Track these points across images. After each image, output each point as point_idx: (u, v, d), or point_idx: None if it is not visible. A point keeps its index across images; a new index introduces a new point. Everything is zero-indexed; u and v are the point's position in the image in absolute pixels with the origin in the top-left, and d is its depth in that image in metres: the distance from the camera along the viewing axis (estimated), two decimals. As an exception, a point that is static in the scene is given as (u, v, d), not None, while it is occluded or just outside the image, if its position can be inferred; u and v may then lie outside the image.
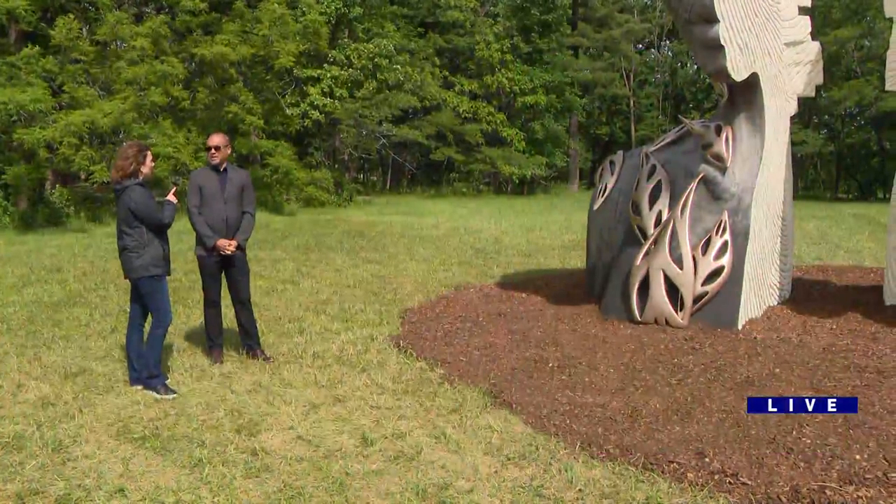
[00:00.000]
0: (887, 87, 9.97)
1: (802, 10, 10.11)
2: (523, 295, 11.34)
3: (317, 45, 31.88)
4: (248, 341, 8.15)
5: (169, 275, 7.22)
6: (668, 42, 63.11)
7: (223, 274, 7.99)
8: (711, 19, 8.24)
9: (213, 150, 7.73)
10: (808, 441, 5.55)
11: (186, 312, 10.35)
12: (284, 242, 18.60)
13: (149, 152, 7.06)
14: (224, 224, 7.74)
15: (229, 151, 8.00)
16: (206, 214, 7.71)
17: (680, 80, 64.79)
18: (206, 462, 5.39)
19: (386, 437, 5.86)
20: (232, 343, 8.57)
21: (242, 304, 8.08)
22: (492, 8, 55.69)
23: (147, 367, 7.02)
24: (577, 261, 14.96)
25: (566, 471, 5.20)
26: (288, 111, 33.57)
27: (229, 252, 7.70)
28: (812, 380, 7.01)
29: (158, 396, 6.80)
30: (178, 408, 6.54)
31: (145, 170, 7.00)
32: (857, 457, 5.26)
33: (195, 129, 27.69)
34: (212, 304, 8.04)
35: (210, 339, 8.12)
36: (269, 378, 7.42)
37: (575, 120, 55.51)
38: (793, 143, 38.83)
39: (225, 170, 7.85)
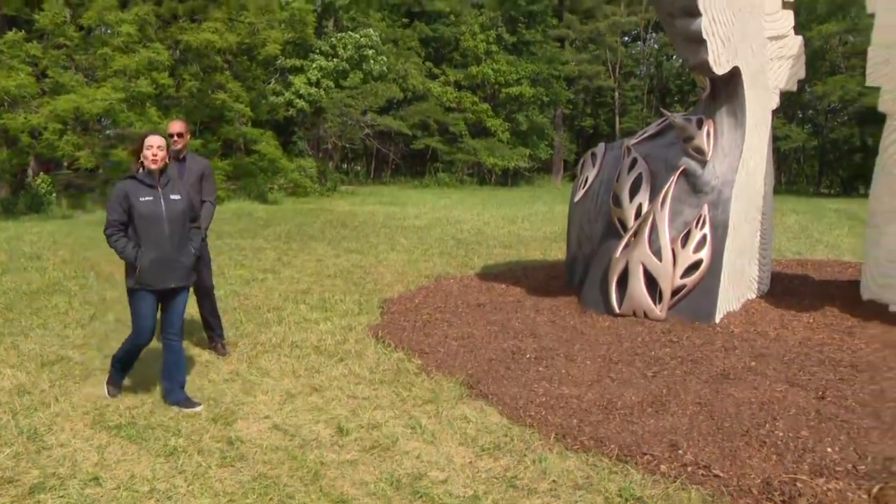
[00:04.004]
0: (868, 83, 10.03)
1: (786, 5, 10.15)
2: (503, 286, 11.36)
3: (303, 33, 31.78)
4: (210, 333, 8.07)
5: (152, 289, 6.20)
6: (654, 34, 63.11)
7: None
8: (694, 13, 8.26)
9: (175, 137, 7.50)
10: (781, 434, 5.59)
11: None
12: (266, 231, 18.58)
13: (150, 137, 6.22)
14: None
15: (189, 138, 7.86)
16: None
17: (665, 72, 64.76)
18: (182, 451, 5.39)
19: (362, 427, 5.87)
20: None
21: (205, 292, 7.95)
22: (478, -2, 55.63)
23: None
24: (559, 252, 14.98)
25: (540, 462, 5.22)
26: (272, 99, 33.50)
27: None
28: (787, 373, 7.06)
29: (104, 392, 6.59)
30: (154, 396, 6.53)
31: (147, 161, 6.14)
32: (829, 450, 5.30)
33: (182, 117, 27.56)
34: None
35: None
36: (247, 367, 7.42)
37: (560, 112, 55.51)
38: (777, 138, 38.83)
39: (184, 158, 7.66)
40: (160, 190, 6.18)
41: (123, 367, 6.64)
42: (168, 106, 27.41)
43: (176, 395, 6.37)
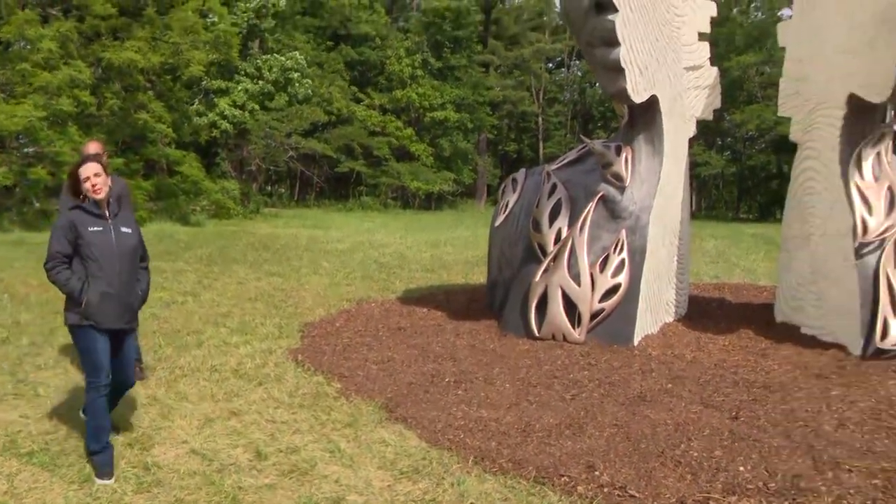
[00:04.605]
0: (780, 113, 10.34)
1: (702, 37, 10.39)
2: (424, 310, 11.39)
3: (227, 55, 31.56)
4: None
5: (100, 328, 5.48)
6: (577, 61, 64.11)
7: None
8: (613, 43, 8.44)
9: None
10: (696, 454, 5.69)
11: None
12: (187, 254, 18.33)
13: (82, 168, 5.59)
14: None
15: (107, 158, 7.72)
16: None
17: (589, 99, 65.76)
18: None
19: (280, 451, 5.83)
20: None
21: None
22: (403, 23, 55.99)
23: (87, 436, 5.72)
24: (480, 276, 15.03)
25: (458, 485, 5.24)
26: (195, 120, 33.18)
27: None
28: (702, 395, 7.19)
29: (97, 482, 5.34)
30: (69, 422, 6.39)
31: (90, 193, 5.57)
32: (741, 468, 5.42)
33: (102, 136, 27.11)
34: None
35: None
36: (165, 392, 7.31)
37: (484, 137, 55.96)
38: (697, 164, 39.76)
39: None
40: (110, 221, 5.61)
41: (99, 437, 5.55)
42: (89, 125, 26.92)
43: None
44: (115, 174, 7.71)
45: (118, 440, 5.98)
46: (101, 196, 5.55)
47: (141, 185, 27.63)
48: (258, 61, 36.79)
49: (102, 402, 5.58)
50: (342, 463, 5.64)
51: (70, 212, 5.59)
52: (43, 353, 8.63)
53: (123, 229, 5.66)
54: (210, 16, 32.01)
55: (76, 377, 7.67)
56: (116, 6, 27.55)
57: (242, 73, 36.32)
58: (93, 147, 7.37)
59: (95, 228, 5.51)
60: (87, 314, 5.44)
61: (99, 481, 5.29)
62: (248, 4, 35.83)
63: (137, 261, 5.80)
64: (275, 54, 37.60)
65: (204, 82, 34.41)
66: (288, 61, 36.93)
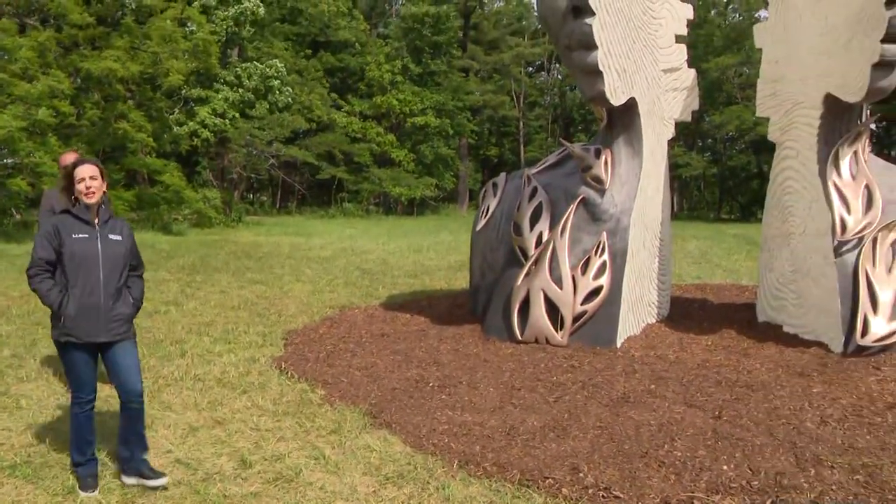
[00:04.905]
0: (757, 114, 10.39)
1: (679, 39, 10.43)
2: (407, 315, 11.39)
3: (207, 63, 31.50)
4: None
5: (79, 343, 5.31)
6: (557, 65, 64.28)
7: None
8: (591, 46, 8.47)
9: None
10: (679, 454, 5.72)
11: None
12: (170, 263, 18.26)
13: (79, 168, 5.38)
14: None
15: None
16: None
17: (569, 102, 65.96)
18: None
19: (265, 459, 5.82)
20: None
21: None
22: (383, 29, 56.09)
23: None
24: (463, 281, 15.04)
25: (443, 489, 5.25)
26: (176, 129, 33.09)
27: None
28: (685, 395, 7.22)
29: (81, 494, 5.27)
30: (52, 433, 6.37)
31: (82, 196, 5.36)
32: (724, 467, 5.45)
33: (82, 147, 26.98)
34: None
35: None
36: (149, 402, 7.26)
37: (465, 142, 56.02)
38: (678, 166, 39.93)
39: None
40: (98, 228, 5.38)
41: (83, 449, 5.48)
42: (69, 135, 26.79)
43: (137, 465, 5.47)
44: None
45: (102, 451, 5.93)
46: (92, 200, 5.35)
47: (122, 195, 27.54)
48: (238, 69, 36.76)
49: (86, 417, 5.48)
50: (327, 469, 5.64)
51: (57, 216, 5.47)
52: (25, 364, 8.59)
53: (112, 237, 5.44)
54: (189, 24, 31.97)
55: (59, 389, 7.65)
56: (94, 16, 27.46)
57: (222, 81, 36.28)
58: (70, 158, 7.30)
59: (80, 235, 5.32)
60: (65, 329, 5.26)
61: (83, 493, 5.24)
62: (226, 12, 35.78)
63: (126, 269, 5.58)
64: (254, 62, 37.60)
65: (184, 91, 34.34)
66: (268, 69, 36.94)
